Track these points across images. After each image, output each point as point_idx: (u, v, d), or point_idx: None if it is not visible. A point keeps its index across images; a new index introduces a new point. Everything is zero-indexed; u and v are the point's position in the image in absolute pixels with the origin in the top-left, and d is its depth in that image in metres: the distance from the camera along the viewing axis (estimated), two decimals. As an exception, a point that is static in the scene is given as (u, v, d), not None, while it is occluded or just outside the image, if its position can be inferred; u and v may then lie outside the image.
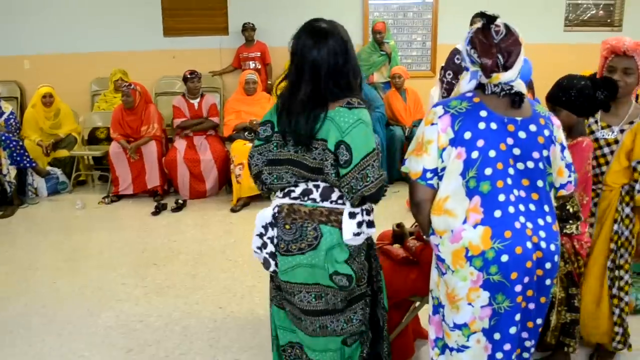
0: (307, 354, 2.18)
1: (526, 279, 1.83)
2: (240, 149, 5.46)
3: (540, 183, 1.89)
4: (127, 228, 5.14)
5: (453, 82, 4.20)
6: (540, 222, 1.87)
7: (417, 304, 2.76)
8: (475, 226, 1.82)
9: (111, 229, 5.06)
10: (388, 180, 4.72)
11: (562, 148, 1.97)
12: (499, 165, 1.83)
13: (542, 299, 1.93)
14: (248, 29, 7.22)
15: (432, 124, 1.88)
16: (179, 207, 5.52)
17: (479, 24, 1.88)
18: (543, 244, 1.85)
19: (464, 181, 1.83)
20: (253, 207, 5.46)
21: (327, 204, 2.02)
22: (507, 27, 1.85)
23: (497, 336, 1.89)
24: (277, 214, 2.08)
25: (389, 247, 2.80)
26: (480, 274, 1.81)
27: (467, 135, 1.84)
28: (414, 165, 1.92)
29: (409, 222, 2.83)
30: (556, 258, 1.89)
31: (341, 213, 2.01)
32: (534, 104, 1.97)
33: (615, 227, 2.69)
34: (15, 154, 5.61)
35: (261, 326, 3.23)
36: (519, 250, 1.80)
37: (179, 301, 3.61)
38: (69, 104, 6.62)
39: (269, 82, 7.27)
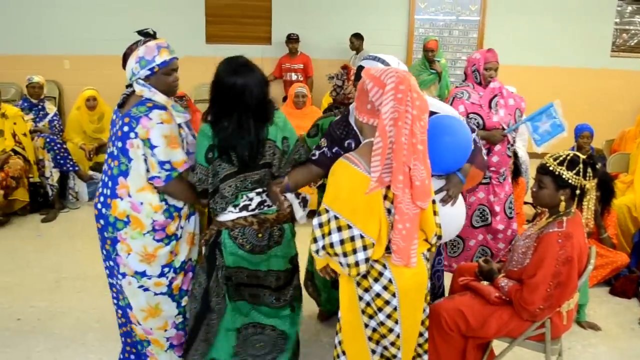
0: (265, 322, 2.65)
1: None
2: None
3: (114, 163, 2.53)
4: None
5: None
6: (106, 191, 2.56)
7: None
8: None
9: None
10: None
11: (151, 147, 2.42)
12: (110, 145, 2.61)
13: None
14: (292, 41, 7.16)
15: None
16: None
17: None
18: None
19: None
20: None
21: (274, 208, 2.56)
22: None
23: None
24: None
25: (478, 285, 2.69)
26: None
27: None
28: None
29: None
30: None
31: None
32: (140, 104, 2.49)
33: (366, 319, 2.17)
34: (58, 157, 5.50)
35: None
36: None
37: None
38: (111, 107, 6.55)
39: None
